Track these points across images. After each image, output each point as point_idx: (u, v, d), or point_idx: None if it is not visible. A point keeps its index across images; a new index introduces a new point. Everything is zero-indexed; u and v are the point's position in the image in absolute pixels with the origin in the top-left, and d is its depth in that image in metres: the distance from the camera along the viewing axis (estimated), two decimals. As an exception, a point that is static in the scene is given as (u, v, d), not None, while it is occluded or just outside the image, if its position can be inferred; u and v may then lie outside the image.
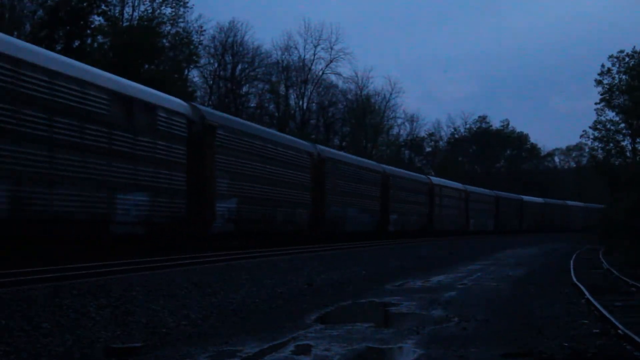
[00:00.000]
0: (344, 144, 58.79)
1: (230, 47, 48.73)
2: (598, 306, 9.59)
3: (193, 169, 16.92)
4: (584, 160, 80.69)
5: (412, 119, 71.30)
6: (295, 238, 22.78)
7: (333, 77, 64.81)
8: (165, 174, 15.86)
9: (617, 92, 46.32)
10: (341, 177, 26.46)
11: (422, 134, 75.38)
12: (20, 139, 11.62)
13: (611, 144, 47.73)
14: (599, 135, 48.48)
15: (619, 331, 7.63)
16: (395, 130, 69.91)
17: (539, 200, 63.57)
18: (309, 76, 54.67)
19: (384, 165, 34.27)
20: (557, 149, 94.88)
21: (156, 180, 15.50)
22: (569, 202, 71.47)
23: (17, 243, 11.76)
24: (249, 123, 23.71)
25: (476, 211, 46.87)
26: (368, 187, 29.25)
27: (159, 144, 15.62)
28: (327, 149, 28.87)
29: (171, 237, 16.52)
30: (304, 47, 55.67)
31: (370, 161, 33.90)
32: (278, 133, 25.73)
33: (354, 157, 31.90)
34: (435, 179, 41.47)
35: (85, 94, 13.27)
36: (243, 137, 19.49)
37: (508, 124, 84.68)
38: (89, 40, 33.20)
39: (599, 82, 47.28)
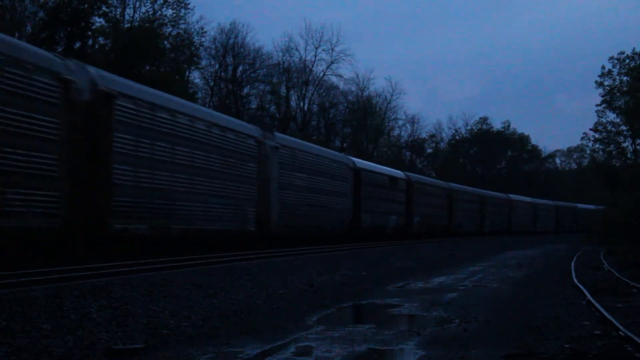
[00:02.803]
0: (345, 145, 58.77)
1: (231, 48, 48.78)
2: (599, 307, 9.58)
3: (406, 203, 34.86)
4: (585, 162, 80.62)
5: (413, 120, 71.49)
6: (438, 234, 39.37)
7: (334, 79, 64.58)
8: (399, 206, 33.81)
9: (617, 94, 46.28)
10: (462, 201, 45.39)
11: (423, 135, 75.52)
12: (377, 199, 30.29)
13: (612, 146, 47.72)
14: (600, 137, 48.48)
15: (620, 332, 7.61)
16: (396, 132, 70.08)
17: (592, 207, 74.98)
18: (310, 77, 54.73)
19: (481, 190, 52.29)
20: (558, 150, 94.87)
21: (398, 209, 33.67)
22: None
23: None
24: (424, 177, 43.17)
25: (541, 217, 64.83)
26: (474, 205, 48.38)
27: (398, 193, 33.68)
28: (456, 185, 46.79)
29: (399, 234, 33.29)
30: (305, 48, 55.68)
31: (473, 188, 51.46)
32: (433, 179, 44.61)
33: (469, 188, 50.28)
34: (513, 196, 58.36)
35: (382, 179, 31.68)
36: (424, 186, 38.49)
37: (509, 125, 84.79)
38: (90, 42, 33.25)
39: (599, 84, 47.25)
